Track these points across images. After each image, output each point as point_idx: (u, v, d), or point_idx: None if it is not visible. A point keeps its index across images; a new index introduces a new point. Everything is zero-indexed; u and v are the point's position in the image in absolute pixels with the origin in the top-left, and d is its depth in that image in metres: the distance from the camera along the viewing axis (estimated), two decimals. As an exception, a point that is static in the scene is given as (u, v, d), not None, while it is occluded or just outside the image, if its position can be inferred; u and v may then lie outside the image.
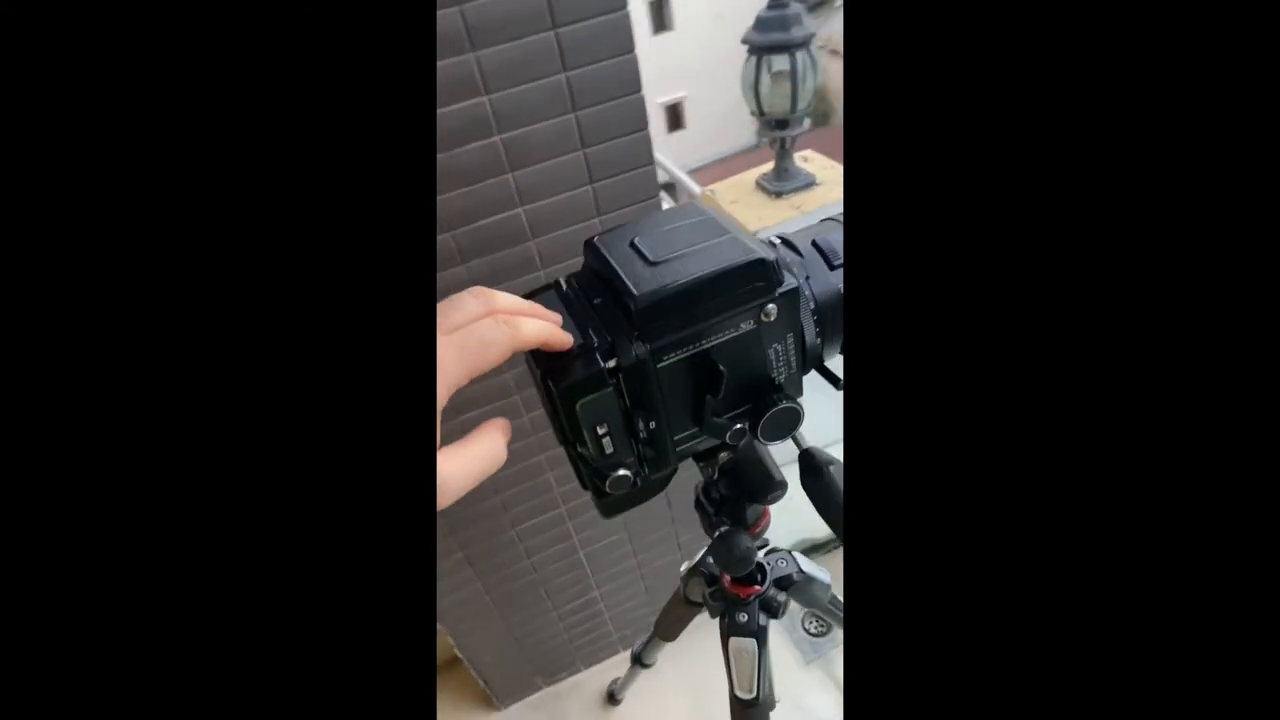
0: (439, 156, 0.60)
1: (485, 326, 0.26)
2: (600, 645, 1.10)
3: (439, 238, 0.64)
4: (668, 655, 1.07)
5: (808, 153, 1.18)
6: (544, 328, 0.28)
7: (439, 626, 0.93)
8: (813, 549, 1.17)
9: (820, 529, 1.16)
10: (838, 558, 1.17)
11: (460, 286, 0.72)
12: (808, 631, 1.08)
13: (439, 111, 0.58)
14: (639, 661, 0.89)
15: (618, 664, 1.08)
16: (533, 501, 0.88)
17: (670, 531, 1.00)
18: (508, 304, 0.27)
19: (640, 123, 0.67)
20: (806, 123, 1.04)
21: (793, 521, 1.14)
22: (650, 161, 0.70)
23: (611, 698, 1.04)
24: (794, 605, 1.11)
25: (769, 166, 1.16)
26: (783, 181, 1.09)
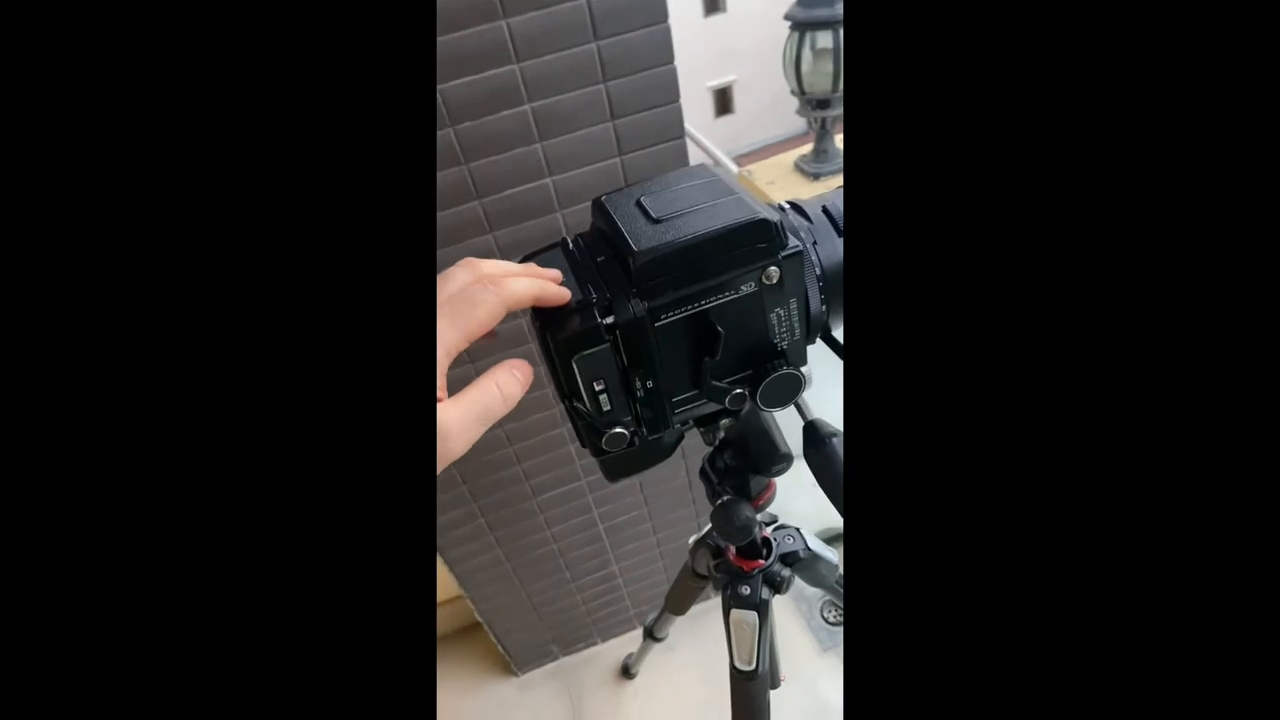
0: (469, 124, 0.61)
1: (473, 290, 0.27)
2: (617, 619, 1.12)
3: (467, 205, 0.65)
4: (682, 632, 1.07)
5: (850, 135, 1.15)
6: (534, 284, 0.28)
7: (460, 592, 0.96)
8: (835, 539, 1.15)
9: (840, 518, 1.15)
10: (861, 549, 1.15)
11: (487, 255, 0.73)
12: (826, 620, 1.07)
13: (470, 79, 0.59)
14: (651, 635, 0.90)
15: (634, 639, 1.10)
16: (554, 473, 0.89)
17: (690, 511, 1.00)
18: (495, 269, 0.29)
19: (672, 95, 0.66)
20: (849, 103, 1.02)
21: (816, 510, 1.13)
22: (680, 135, 0.69)
23: (626, 671, 1.06)
24: (815, 592, 1.10)
25: (809, 148, 1.13)
26: (820, 163, 1.06)
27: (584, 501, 0.94)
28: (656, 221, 0.31)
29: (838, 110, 1.01)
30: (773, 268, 0.31)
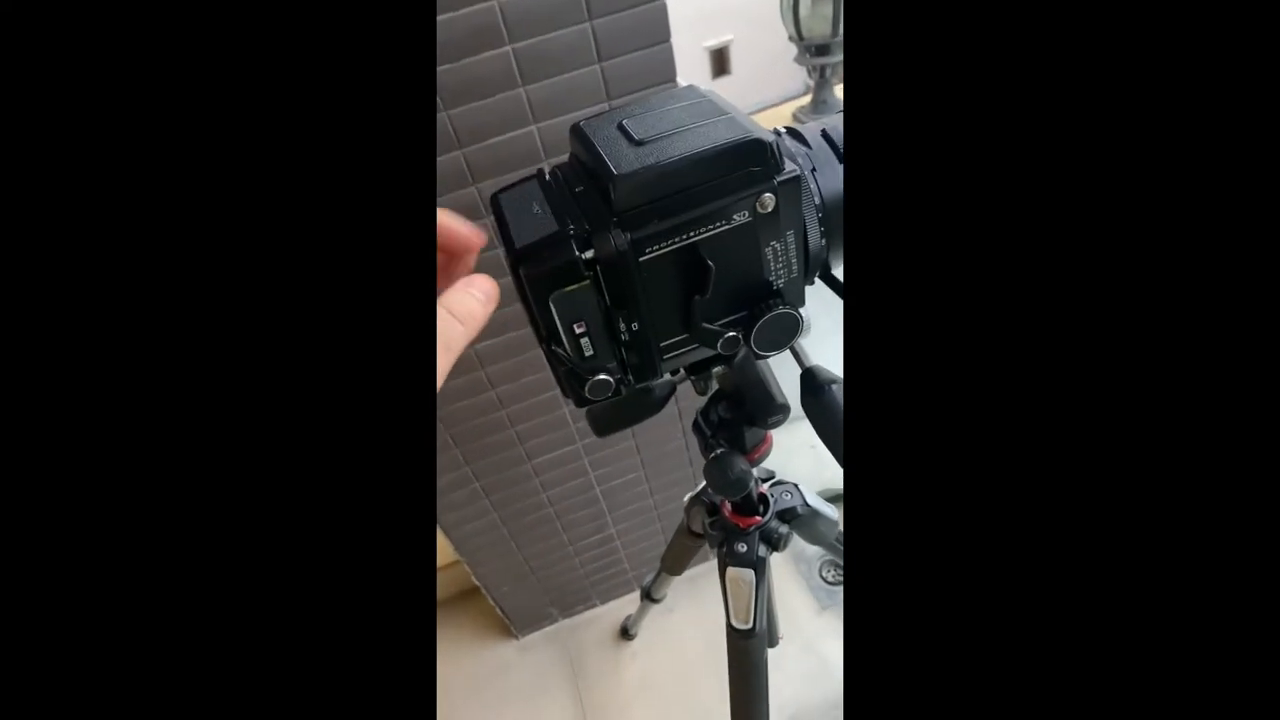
0: (448, 67, 0.57)
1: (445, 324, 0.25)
2: (616, 582, 1.12)
3: (448, 156, 0.62)
4: (681, 593, 1.07)
5: (851, 84, 1.11)
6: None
7: (456, 557, 0.95)
8: (837, 498, 1.15)
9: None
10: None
11: (471, 209, 0.69)
12: (825, 580, 1.07)
13: (446, 17, 0.55)
14: (649, 596, 0.89)
15: (633, 601, 1.10)
16: (549, 436, 0.87)
17: (688, 472, 0.99)
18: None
19: (662, 34, 0.62)
20: (849, 48, 0.97)
21: (817, 469, 1.12)
22: (673, 77, 0.66)
23: (625, 633, 1.06)
24: (814, 552, 1.10)
25: (808, 100, 1.09)
26: (819, 114, 1.03)
27: (580, 464, 0.93)
28: (639, 144, 0.28)
29: (837, 57, 0.97)
30: (767, 194, 0.28)
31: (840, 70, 1.01)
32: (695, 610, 1.08)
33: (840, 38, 0.94)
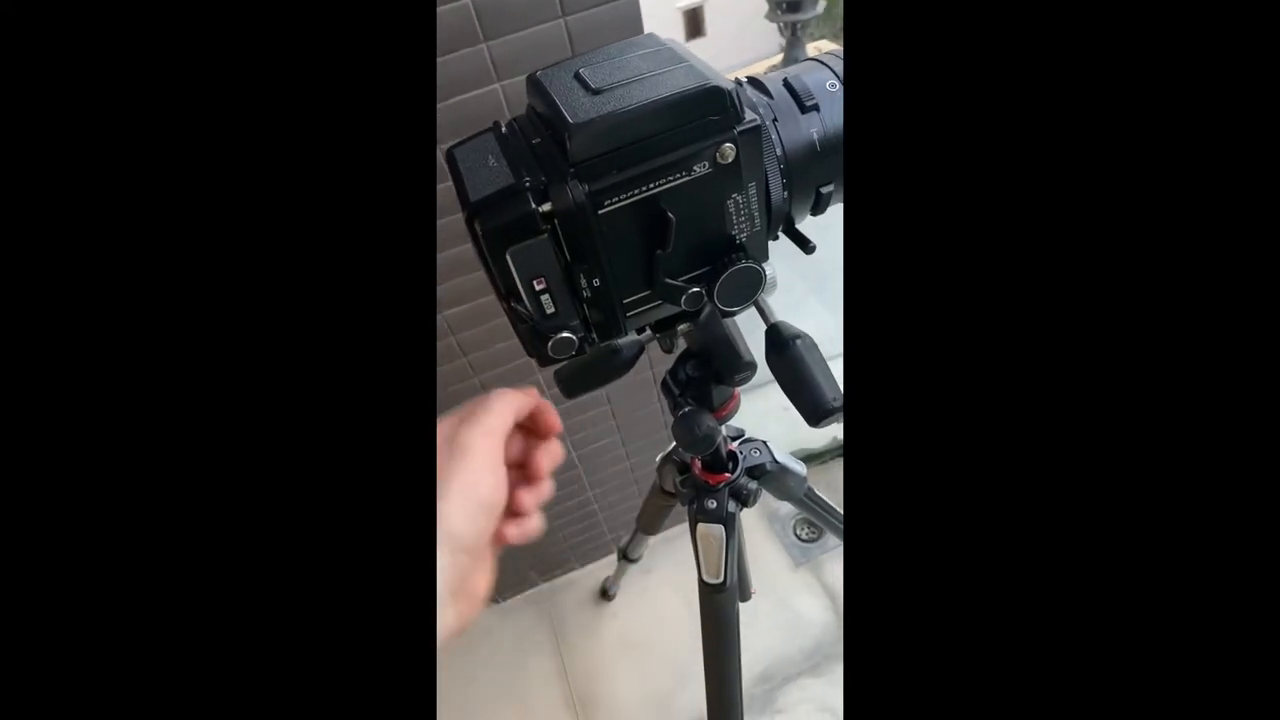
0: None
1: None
2: (595, 545, 1.13)
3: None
4: (659, 553, 1.09)
5: (822, 42, 1.09)
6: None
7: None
8: (810, 458, 1.17)
9: (817, 438, 1.16)
10: (835, 468, 1.17)
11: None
12: (799, 537, 1.10)
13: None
14: (625, 556, 0.91)
15: (612, 563, 1.11)
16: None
17: (664, 436, 1.00)
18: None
19: (628, -14, 0.61)
20: (821, 4, 0.96)
21: (791, 431, 1.14)
22: (639, 31, 0.64)
23: (604, 593, 1.08)
24: (788, 510, 1.12)
25: (779, 59, 1.07)
26: (794, 73, 1.01)
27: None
28: (596, 93, 0.27)
29: (809, 13, 0.95)
30: (727, 144, 0.27)
31: (808, 28, 0.99)
32: (673, 569, 1.10)
33: (812, -7, 0.93)
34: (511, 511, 0.29)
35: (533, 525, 0.30)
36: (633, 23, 0.62)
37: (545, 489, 0.30)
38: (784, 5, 0.96)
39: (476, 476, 0.26)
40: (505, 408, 0.28)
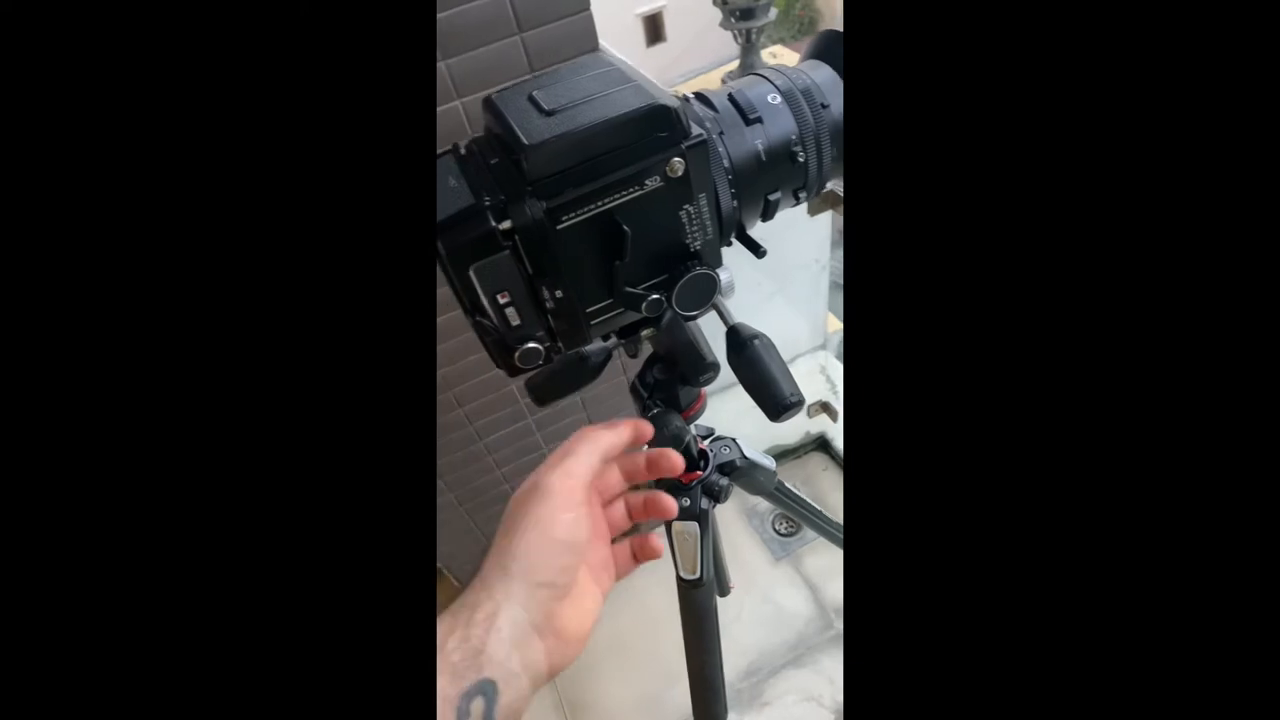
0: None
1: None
2: (577, 552, 1.14)
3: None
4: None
5: (776, 49, 1.12)
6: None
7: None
8: (785, 453, 1.19)
9: (789, 433, 1.18)
10: (809, 462, 1.19)
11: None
12: (777, 531, 1.12)
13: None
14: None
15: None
16: (498, 413, 0.88)
17: (640, 440, 1.01)
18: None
19: (582, 3, 0.62)
20: (772, 11, 0.98)
21: (767, 429, 1.16)
22: (595, 48, 0.66)
23: (589, 599, 1.08)
24: (765, 506, 1.14)
25: (735, 65, 1.10)
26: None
27: (533, 439, 0.94)
28: (549, 114, 0.28)
29: (761, 20, 0.98)
30: (676, 159, 0.29)
31: (763, 34, 1.02)
32: (658, 569, 1.10)
33: (763, 1, 0.95)
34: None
35: (651, 546, 0.34)
36: (588, 37, 0.64)
37: (667, 506, 0.34)
38: (737, 14, 0.98)
39: (552, 515, 0.28)
40: (588, 449, 0.32)
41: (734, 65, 1.14)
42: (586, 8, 0.62)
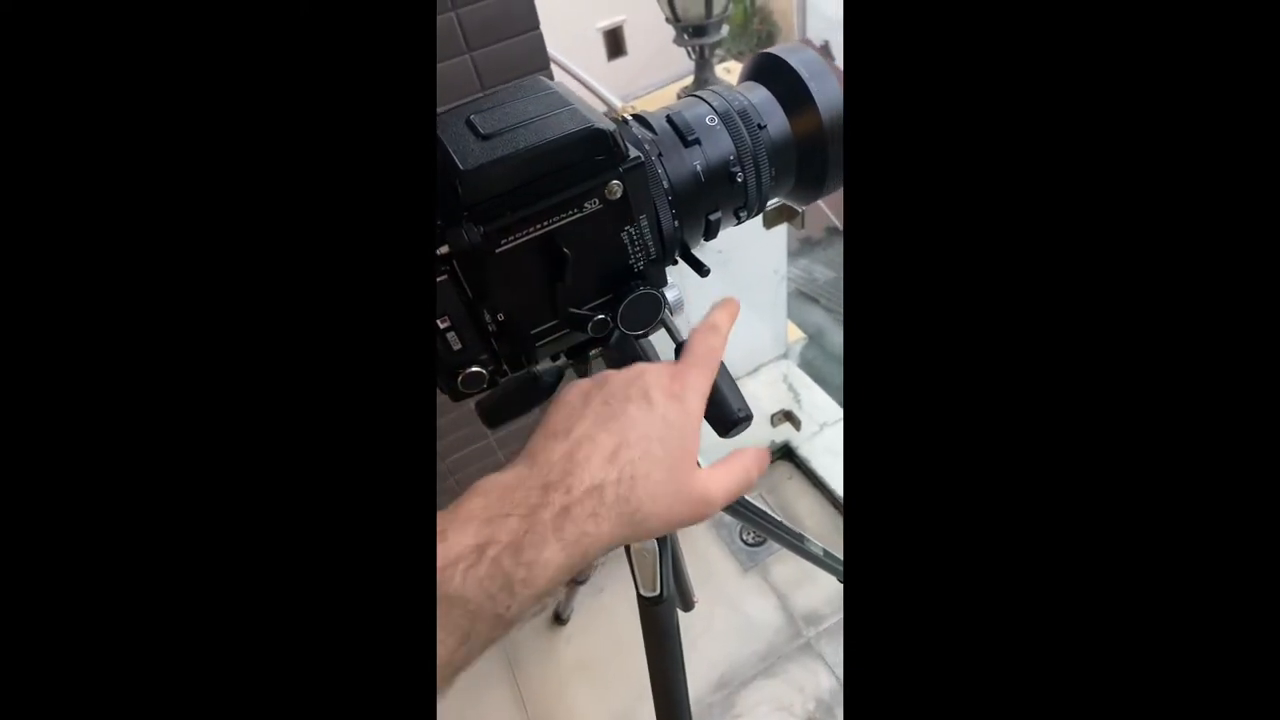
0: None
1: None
2: (545, 570, 1.12)
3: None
4: (610, 572, 1.09)
5: (730, 64, 1.14)
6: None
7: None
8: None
9: (754, 443, 1.18)
10: (773, 472, 1.20)
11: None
12: (745, 542, 1.12)
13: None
14: (574, 579, 0.91)
15: (562, 588, 1.11)
16: (459, 433, 0.87)
17: (604, 455, 1.01)
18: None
19: (531, 22, 0.63)
20: (725, 29, 1.00)
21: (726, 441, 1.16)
22: (546, 65, 0.66)
23: (557, 618, 1.07)
24: (733, 520, 1.14)
25: (690, 80, 1.11)
26: (705, 94, 1.05)
27: (495, 460, 0.93)
28: (485, 139, 0.28)
29: (715, 37, 1.00)
30: (614, 182, 0.29)
31: (717, 50, 1.04)
32: (624, 587, 1.10)
33: (715, 18, 0.97)
34: None
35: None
36: (537, 55, 0.64)
37: None
38: (689, 30, 1.00)
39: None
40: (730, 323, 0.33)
41: (689, 81, 1.15)
42: (536, 27, 0.63)
